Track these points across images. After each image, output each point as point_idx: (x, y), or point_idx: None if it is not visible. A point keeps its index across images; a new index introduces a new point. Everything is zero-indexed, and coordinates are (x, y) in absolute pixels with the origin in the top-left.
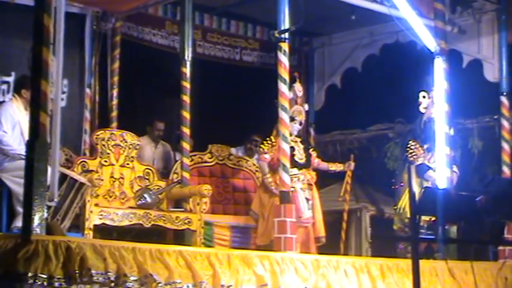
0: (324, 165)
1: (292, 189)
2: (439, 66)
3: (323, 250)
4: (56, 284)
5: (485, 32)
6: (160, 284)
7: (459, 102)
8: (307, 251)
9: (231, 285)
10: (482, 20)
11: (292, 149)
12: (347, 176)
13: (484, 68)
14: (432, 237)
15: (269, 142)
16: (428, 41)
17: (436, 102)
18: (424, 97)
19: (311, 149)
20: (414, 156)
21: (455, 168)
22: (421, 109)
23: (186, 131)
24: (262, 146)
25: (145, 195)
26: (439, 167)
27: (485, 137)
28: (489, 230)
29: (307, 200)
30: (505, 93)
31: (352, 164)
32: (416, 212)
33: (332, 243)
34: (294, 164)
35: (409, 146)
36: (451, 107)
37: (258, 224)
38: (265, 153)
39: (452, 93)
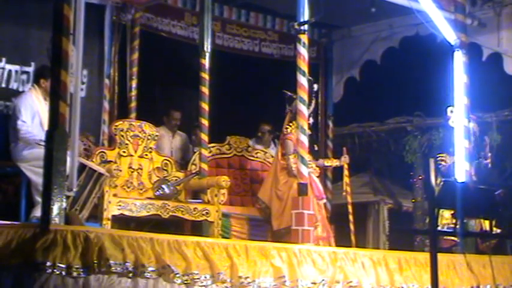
0: (320, 162)
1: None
2: (459, 59)
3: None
4: (74, 274)
5: (506, 25)
6: (178, 275)
7: (478, 96)
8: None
9: (248, 277)
10: (503, 13)
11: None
12: (344, 169)
13: (503, 61)
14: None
15: (290, 125)
16: (448, 34)
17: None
18: (452, 112)
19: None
20: (445, 165)
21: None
22: (450, 123)
23: (205, 122)
24: (287, 127)
25: (164, 186)
26: (458, 161)
27: (504, 131)
28: (508, 224)
29: None
30: None
31: (347, 157)
32: (435, 206)
33: (343, 237)
34: (313, 153)
35: (438, 159)
36: (470, 101)
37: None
38: (291, 133)
39: (471, 86)
